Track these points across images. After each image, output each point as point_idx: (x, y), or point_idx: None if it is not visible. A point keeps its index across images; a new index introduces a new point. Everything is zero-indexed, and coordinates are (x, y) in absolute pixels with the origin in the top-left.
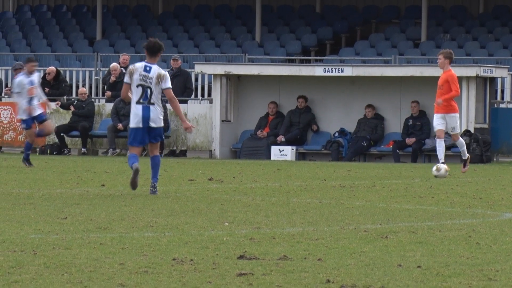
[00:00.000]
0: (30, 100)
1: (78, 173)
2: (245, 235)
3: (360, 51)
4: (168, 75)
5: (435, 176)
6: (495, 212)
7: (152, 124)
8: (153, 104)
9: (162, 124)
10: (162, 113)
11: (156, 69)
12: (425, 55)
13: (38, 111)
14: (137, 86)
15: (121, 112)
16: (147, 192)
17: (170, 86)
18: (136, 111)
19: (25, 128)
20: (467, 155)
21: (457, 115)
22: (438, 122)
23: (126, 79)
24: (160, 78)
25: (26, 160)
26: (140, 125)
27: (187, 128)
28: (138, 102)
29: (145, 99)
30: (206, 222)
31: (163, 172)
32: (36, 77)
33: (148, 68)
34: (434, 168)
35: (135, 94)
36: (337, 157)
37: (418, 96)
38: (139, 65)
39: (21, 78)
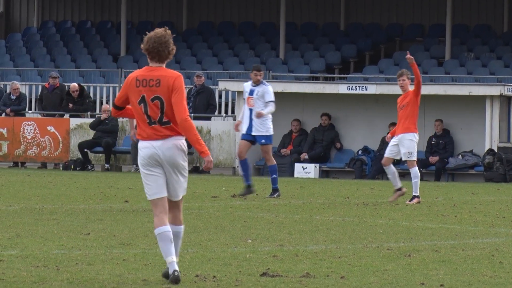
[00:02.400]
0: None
1: (101, 189)
2: (268, 252)
3: (384, 69)
4: None
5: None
6: None
7: None
8: None
9: None
10: None
11: None
12: (449, 73)
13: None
14: None
15: None
16: None
17: None
18: None
19: None
20: (418, 193)
21: (415, 137)
22: (389, 149)
23: None
24: None
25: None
26: None
27: None
28: None
29: None
30: (229, 239)
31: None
32: None
33: None
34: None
35: None
36: (360, 175)
37: (442, 115)
38: None
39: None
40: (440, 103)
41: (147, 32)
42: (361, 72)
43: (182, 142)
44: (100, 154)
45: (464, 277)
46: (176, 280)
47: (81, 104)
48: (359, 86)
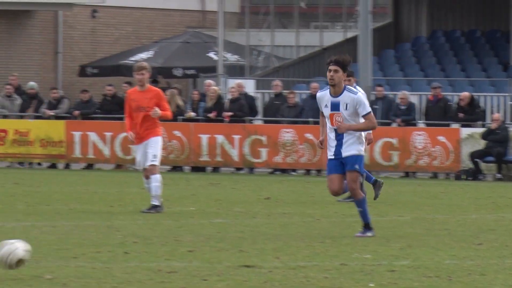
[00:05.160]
0: None
1: (493, 199)
2: None
3: None
4: None
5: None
6: None
7: None
8: None
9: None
10: None
11: None
12: None
13: None
14: None
15: None
16: None
17: None
18: None
19: None
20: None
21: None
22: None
23: None
24: None
25: None
26: None
27: None
28: None
29: None
30: None
31: None
32: None
33: None
34: None
35: None
36: None
37: None
38: None
39: None
40: None
41: None
42: None
43: None
44: (491, 164)
45: None
46: None
47: (471, 113)
48: None
